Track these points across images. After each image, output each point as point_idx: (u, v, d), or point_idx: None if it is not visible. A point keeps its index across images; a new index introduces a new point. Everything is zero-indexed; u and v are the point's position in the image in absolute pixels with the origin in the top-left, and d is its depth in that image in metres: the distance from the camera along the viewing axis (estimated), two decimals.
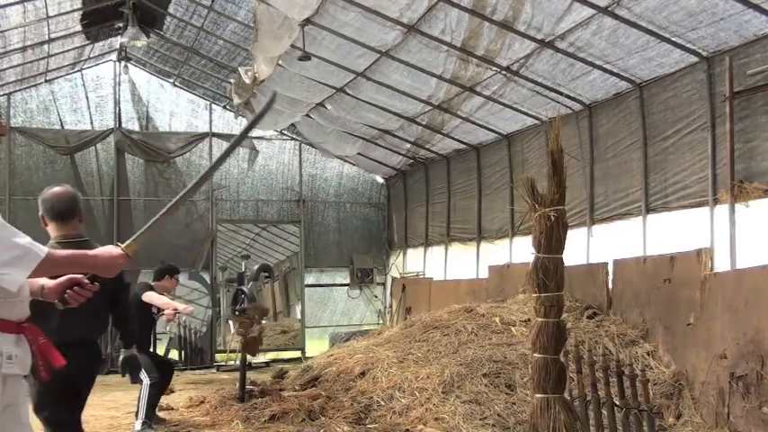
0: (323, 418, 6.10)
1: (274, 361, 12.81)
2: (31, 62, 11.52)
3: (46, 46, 10.84)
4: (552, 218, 3.86)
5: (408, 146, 11.87)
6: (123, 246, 2.65)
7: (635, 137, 7.46)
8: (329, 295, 14.34)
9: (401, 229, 13.83)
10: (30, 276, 2.45)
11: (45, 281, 2.70)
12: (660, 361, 6.29)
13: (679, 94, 6.86)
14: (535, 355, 3.95)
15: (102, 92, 13.32)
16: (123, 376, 5.13)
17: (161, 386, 6.93)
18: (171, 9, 10.56)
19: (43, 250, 2.43)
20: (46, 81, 12.80)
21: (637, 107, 7.38)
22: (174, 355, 12.98)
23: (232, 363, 12.02)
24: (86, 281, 2.72)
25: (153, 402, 6.78)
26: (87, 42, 11.62)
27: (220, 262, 13.44)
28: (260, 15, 7.89)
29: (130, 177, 13.40)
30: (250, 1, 8.97)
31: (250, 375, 9.02)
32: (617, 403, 5.10)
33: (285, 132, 13.92)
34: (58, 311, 3.48)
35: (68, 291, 2.71)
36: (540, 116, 8.72)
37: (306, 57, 8.48)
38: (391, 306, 13.34)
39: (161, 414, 7.22)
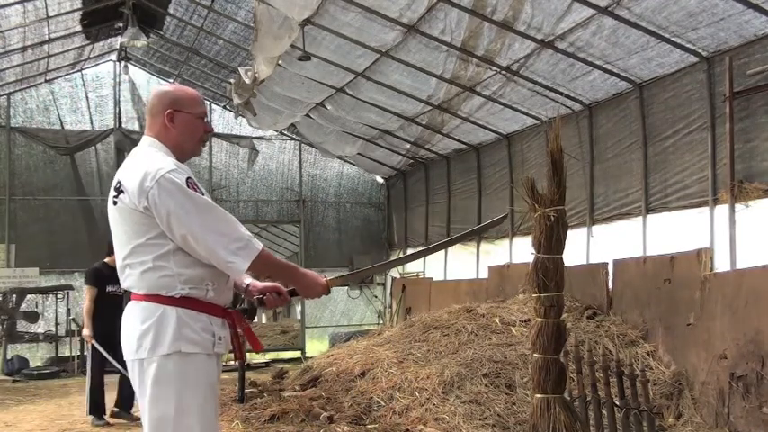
0: (325, 414, 6.09)
1: (274, 361, 12.81)
2: (31, 62, 11.53)
3: (46, 46, 10.84)
4: (552, 218, 3.86)
5: (408, 146, 11.87)
6: (329, 278, 2.84)
7: (635, 137, 7.46)
8: (329, 295, 14.29)
9: (401, 229, 13.83)
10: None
11: (251, 279, 2.87)
12: (660, 361, 6.29)
13: (679, 94, 6.86)
14: (535, 355, 3.95)
15: (102, 92, 13.32)
16: None
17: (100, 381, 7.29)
18: (171, 9, 10.56)
19: (259, 245, 2.61)
20: (46, 81, 12.80)
21: (637, 107, 7.37)
22: None
23: (232, 363, 12.01)
24: (287, 296, 2.86)
25: (93, 397, 7.27)
26: (87, 42, 11.62)
27: None
28: (260, 15, 7.89)
29: None
30: (250, 1, 8.97)
31: (250, 375, 9.03)
32: (617, 403, 5.10)
33: (285, 132, 13.92)
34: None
35: (269, 294, 2.85)
36: (540, 116, 8.72)
37: (306, 57, 8.48)
38: (391, 306, 13.34)
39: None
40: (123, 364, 7.57)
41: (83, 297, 10.55)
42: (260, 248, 2.60)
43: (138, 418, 6.98)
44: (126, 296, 7.04)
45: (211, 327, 2.64)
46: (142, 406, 2.63)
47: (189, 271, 2.59)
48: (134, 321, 2.62)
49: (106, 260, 7.45)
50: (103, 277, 7.34)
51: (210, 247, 2.53)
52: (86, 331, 7.29)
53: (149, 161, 2.61)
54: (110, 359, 7.06)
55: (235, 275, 2.69)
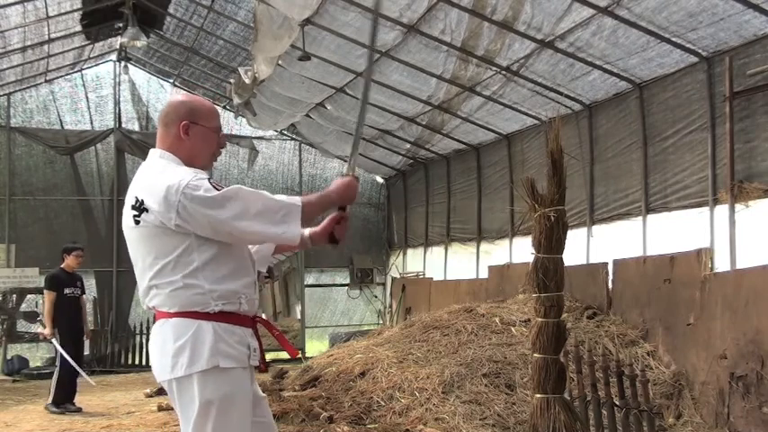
0: (325, 414, 6.09)
1: (274, 361, 12.79)
2: (31, 62, 11.53)
3: (46, 46, 10.85)
4: (552, 218, 3.86)
5: (408, 146, 11.87)
6: (349, 173, 2.79)
7: (635, 137, 7.45)
8: (329, 295, 14.33)
9: (401, 229, 13.83)
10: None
11: (306, 231, 2.82)
12: (660, 361, 6.29)
13: (679, 94, 6.86)
14: (535, 355, 3.95)
15: (102, 92, 13.33)
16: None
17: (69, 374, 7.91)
18: (171, 9, 10.56)
19: (297, 201, 2.56)
20: (46, 81, 12.80)
21: (637, 107, 7.37)
22: None
23: None
24: (343, 214, 2.82)
25: (62, 388, 7.92)
26: (87, 42, 11.62)
27: None
28: (260, 15, 7.89)
29: (130, 177, 13.25)
30: (250, 1, 8.97)
31: None
32: (617, 403, 5.10)
33: (285, 132, 13.91)
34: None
35: (336, 229, 2.82)
36: (540, 116, 8.72)
37: (306, 57, 8.48)
38: (391, 306, 13.34)
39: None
40: (79, 359, 8.10)
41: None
42: (300, 204, 2.55)
43: (80, 409, 7.81)
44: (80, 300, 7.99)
45: (246, 339, 2.59)
46: (182, 424, 2.57)
47: (221, 287, 2.53)
48: (166, 340, 2.53)
49: (62, 265, 8.23)
50: (61, 282, 8.08)
51: (259, 231, 2.49)
52: (48, 330, 7.97)
53: (167, 175, 2.52)
54: (65, 356, 7.82)
55: (294, 241, 2.60)
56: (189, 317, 2.51)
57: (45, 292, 8.14)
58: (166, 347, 2.52)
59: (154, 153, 2.68)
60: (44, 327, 8.19)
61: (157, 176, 2.53)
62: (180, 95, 2.85)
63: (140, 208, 2.52)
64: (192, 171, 2.55)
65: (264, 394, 2.84)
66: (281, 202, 2.53)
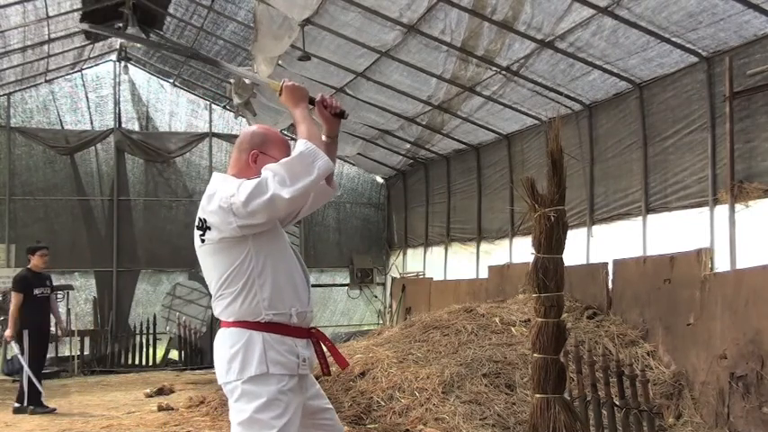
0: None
1: None
2: (31, 62, 11.53)
3: (46, 46, 10.85)
4: (552, 218, 3.86)
5: (408, 146, 11.87)
6: (278, 85, 2.95)
7: (635, 137, 7.46)
8: (329, 295, 14.33)
9: (401, 229, 13.83)
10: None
11: (323, 138, 2.94)
12: (660, 361, 6.29)
13: (679, 94, 6.86)
14: (535, 355, 3.95)
15: (102, 92, 13.34)
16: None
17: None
18: (171, 9, 10.56)
19: (302, 141, 2.72)
20: (46, 81, 12.81)
21: (637, 107, 7.37)
22: (174, 355, 13.00)
23: None
24: (319, 100, 2.98)
25: (32, 388, 7.91)
26: (87, 42, 11.63)
27: None
28: (260, 15, 7.89)
29: (130, 177, 13.41)
30: (250, 1, 8.98)
31: None
32: (617, 403, 5.10)
33: (285, 132, 13.88)
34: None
35: (331, 110, 2.97)
36: (540, 116, 8.72)
37: (306, 57, 8.48)
38: (391, 306, 13.34)
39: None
40: (42, 359, 8.30)
41: (77, 297, 10.68)
42: (306, 139, 2.72)
43: (54, 409, 7.85)
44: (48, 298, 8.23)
45: (296, 349, 2.75)
46: (232, 424, 2.73)
47: (272, 297, 2.71)
48: (223, 346, 2.74)
49: (29, 266, 8.21)
50: (30, 283, 8.06)
51: (306, 185, 2.64)
52: (9, 332, 8.00)
53: (218, 193, 2.71)
54: (20, 359, 7.94)
55: (332, 166, 2.78)
56: (242, 326, 2.71)
57: (12, 293, 8.11)
58: (222, 354, 2.74)
59: (218, 176, 2.87)
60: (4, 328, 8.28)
61: (212, 196, 2.74)
62: (256, 126, 3.03)
63: (203, 227, 2.75)
64: (234, 180, 2.71)
65: (331, 405, 3.00)
66: (299, 153, 2.69)
